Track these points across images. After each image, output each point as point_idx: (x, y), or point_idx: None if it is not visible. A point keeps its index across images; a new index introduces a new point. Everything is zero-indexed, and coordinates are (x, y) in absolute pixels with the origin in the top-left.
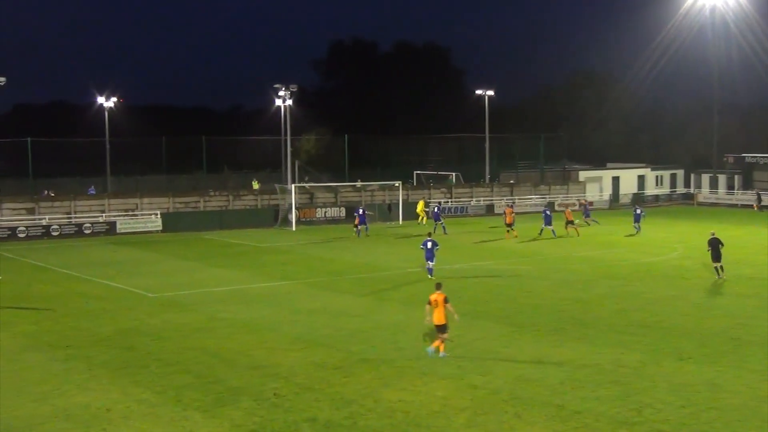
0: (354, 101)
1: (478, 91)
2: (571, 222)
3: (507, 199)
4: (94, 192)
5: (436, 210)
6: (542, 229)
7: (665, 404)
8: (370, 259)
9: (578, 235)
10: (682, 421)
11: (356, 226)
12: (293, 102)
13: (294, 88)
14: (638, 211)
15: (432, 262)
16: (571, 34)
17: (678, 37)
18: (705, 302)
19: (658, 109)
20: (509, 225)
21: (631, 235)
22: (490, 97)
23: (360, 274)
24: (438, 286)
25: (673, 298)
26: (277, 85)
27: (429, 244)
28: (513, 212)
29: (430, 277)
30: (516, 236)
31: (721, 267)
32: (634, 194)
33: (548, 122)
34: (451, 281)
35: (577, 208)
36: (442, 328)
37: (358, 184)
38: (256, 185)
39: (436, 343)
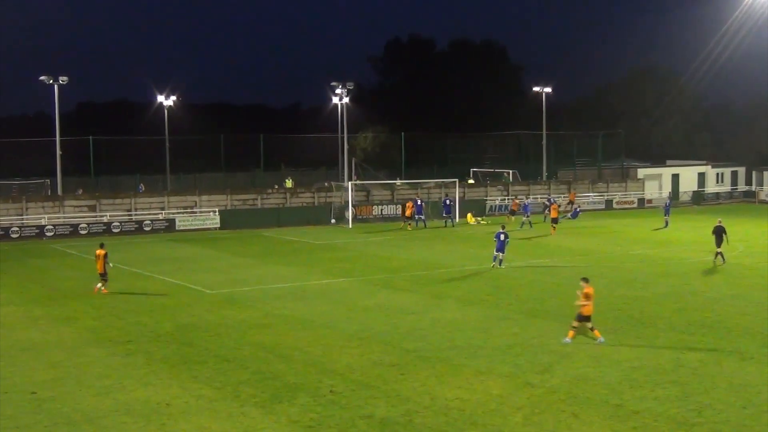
0: (411, 99)
1: (536, 88)
2: (555, 220)
3: (551, 197)
4: (142, 190)
5: (526, 204)
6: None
7: (726, 405)
8: (426, 257)
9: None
10: (742, 422)
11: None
12: (350, 100)
13: (351, 85)
14: (668, 203)
15: (502, 253)
16: (630, 30)
17: (740, 30)
18: (767, 301)
19: (719, 105)
20: (554, 220)
21: (658, 229)
22: (547, 94)
23: (416, 271)
24: (585, 280)
25: (733, 297)
26: (334, 83)
27: (501, 236)
28: (558, 208)
29: (493, 264)
30: (554, 232)
31: (722, 254)
32: (693, 192)
33: (606, 119)
34: (507, 279)
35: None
36: (580, 316)
37: (398, 182)
38: (289, 183)
39: (596, 332)
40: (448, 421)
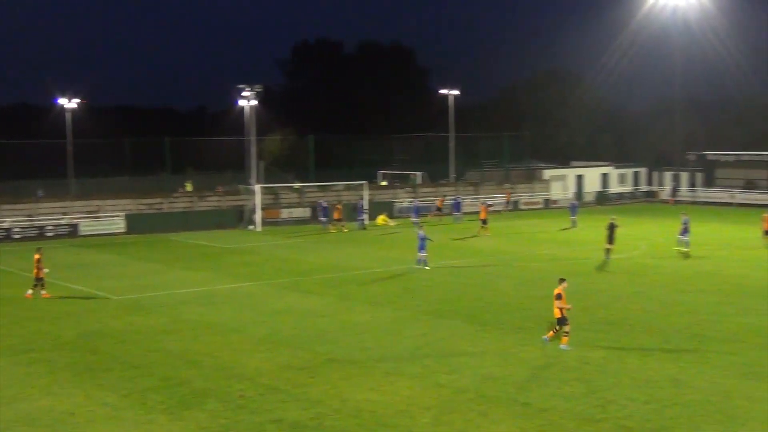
0: (319, 101)
1: (443, 91)
2: (484, 221)
3: (482, 198)
4: (41, 195)
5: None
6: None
7: (629, 400)
8: (335, 260)
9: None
10: (645, 417)
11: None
12: (258, 102)
13: (258, 88)
14: (575, 204)
15: (424, 253)
16: (535, 34)
17: (640, 36)
18: (668, 299)
19: (620, 107)
20: (483, 221)
21: (565, 229)
22: (454, 96)
23: (325, 274)
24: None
25: (636, 295)
26: (241, 86)
27: (421, 237)
28: (487, 210)
29: (416, 266)
30: (488, 234)
31: (610, 250)
32: (597, 192)
33: (512, 121)
34: (416, 280)
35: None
36: (558, 321)
37: (296, 185)
38: (189, 187)
39: (550, 334)
40: (359, 423)
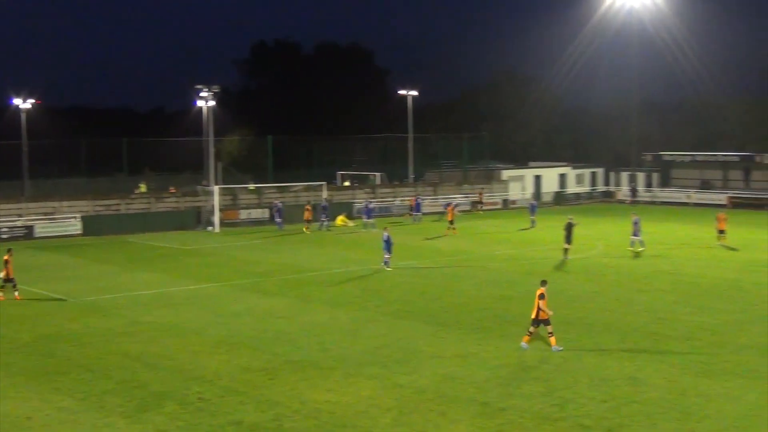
0: (278, 102)
1: (402, 92)
2: (451, 222)
3: (443, 198)
4: None
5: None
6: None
7: (587, 399)
8: (294, 261)
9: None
10: (603, 415)
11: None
12: (216, 103)
13: (216, 89)
14: (534, 204)
15: (388, 254)
16: (493, 35)
17: (597, 37)
18: (626, 298)
19: (578, 108)
20: (451, 222)
21: (525, 229)
22: (413, 97)
23: (285, 275)
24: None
25: (594, 294)
26: (199, 86)
27: (385, 237)
28: (454, 210)
29: (382, 266)
30: (456, 233)
31: (568, 250)
32: (555, 192)
33: (471, 122)
34: (375, 281)
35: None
36: (543, 322)
37: (251, 186)
38: (143, 188)
39: (526, 338)
40: (318, 425)
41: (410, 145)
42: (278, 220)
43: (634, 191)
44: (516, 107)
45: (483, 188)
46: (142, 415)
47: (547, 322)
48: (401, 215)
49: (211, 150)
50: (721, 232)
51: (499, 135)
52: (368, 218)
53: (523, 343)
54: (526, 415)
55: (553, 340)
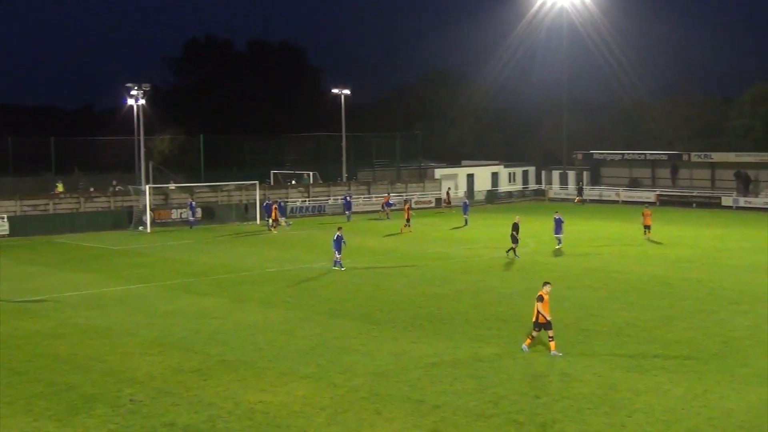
0: (209, 100)
1: (335, 90)
2: (408, 220)
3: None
4: None
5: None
6: None
7: (520, 395)
8: (227, 260)
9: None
10: (536, 411)
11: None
12: (146, 101)
13: (147, 87)
14: (467, 202)
15: (338, 254)
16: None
17: (528, 37)
18: (557, 294)
19: (509, 107)
20: (407, 220)
21: (458, 228)
22: (346, 96)
23: (217, 275)
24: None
25: (527, 291)
26: (129, 84)
27: (336, 237)
28: (410, 208)
29: (334, 267)
30: (410, 231)
31: (514, 249)
32: (488, 191)
33: (404, 121)
34: (308, 280)
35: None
36: (543, 326)
37: (171, 185)
38: (60, 187)
39: (528, 341)
40: (252, 425)
41: (344, 144)
42: (191, 219)
43: (580, 190)
44: (449, 106)
45: (449, 189)
46: (72, 418)
47: (547, 326)
48: (334, 215)
49: (142, 149)
50: (647, 227)
51: (432, 134)
52: (283, 217)
53: (524, 345)
54: (459, 412)
55: (552, 345)
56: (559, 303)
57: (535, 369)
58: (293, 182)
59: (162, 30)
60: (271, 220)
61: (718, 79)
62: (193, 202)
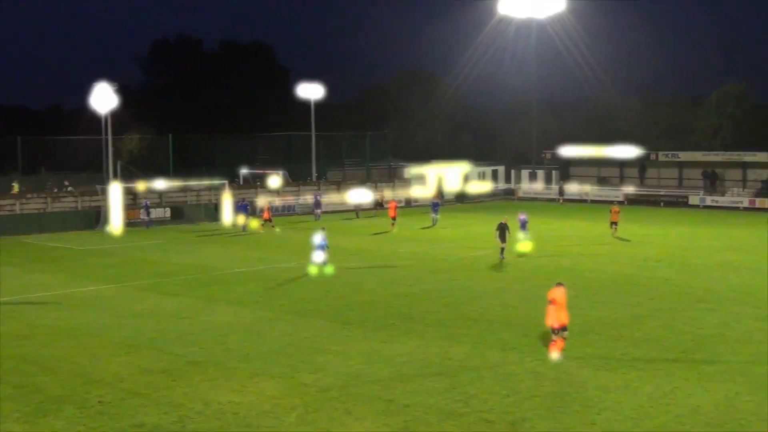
0: (179, 100)
1: (304, 90)
2: (394, 219)
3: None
4: None
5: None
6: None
7: (490, 394)
8: (197, 260)
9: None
10: (506, 409)
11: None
12: (117, 100)
13: (115, 86)
14: (436, 202)
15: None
16: (396, 34)
17: (498, 37)
18: (527, 294)
19: (479, 107)
20: (393, 219)
21: (427, 227)
22: (317, 95)
23: (187, 275)
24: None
25: (498, 290)
26: (97, 83)
27: (319, 238)
28: (396, 206)
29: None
30: (395, 230)
31: (503, 249)
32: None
33: (374, 120)
34: (278, 280)
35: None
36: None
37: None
38: (16, 188)
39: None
40: (222, 426)
41: (313, 143)
42: (145, 218)
43: (561, 190)
44: (419, 106)
45: (382, 190)
46: (40, 420)
47: (563, 329)
48: (304, 214)
49: (110, 148)
50: (614, 224)
51: (402, 133)
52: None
53: (553, 353)
54: (430, 411)
55: (552, 345)
56: (529, 302)
57: (504, 367)
58: (257, 182)
59: (131, 29)
60: (263, 220)
61: (686, 80)
62: (148, 202)
